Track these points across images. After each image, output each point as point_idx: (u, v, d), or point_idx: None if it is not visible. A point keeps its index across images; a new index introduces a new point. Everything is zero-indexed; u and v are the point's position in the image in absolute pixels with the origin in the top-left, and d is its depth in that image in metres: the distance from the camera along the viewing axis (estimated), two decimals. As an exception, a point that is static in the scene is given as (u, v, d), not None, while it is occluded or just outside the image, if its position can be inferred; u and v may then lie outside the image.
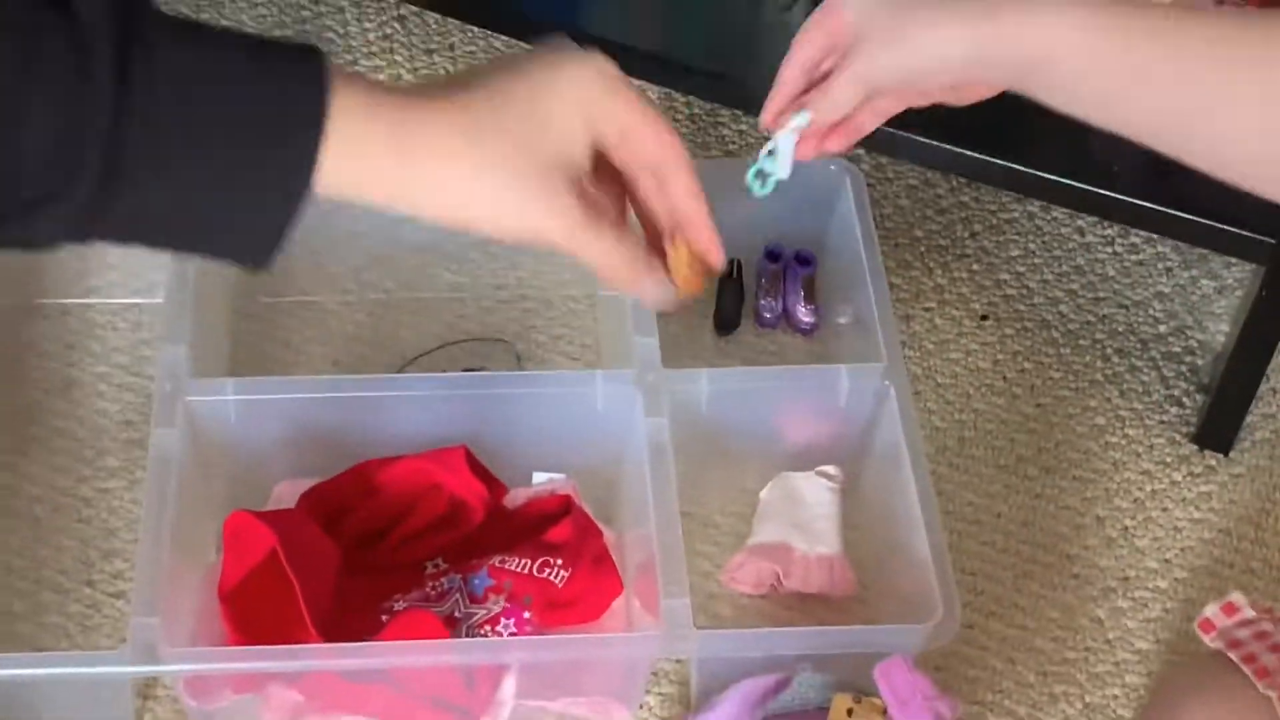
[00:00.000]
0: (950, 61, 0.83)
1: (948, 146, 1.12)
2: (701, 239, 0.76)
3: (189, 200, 0.66)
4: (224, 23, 1.40)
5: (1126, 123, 0.82)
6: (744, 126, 1.36)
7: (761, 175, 0.88)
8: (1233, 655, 0.91)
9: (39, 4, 0.61)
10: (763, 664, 1.00)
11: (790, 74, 0.88)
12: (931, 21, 0.83)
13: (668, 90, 1.34)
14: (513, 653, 1.01)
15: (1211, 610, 0.94)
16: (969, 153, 1.12)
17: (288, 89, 0.66)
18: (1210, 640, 0.93)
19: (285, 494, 1.09)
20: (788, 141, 0.88)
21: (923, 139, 1.12)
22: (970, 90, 0.86)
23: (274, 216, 0.67)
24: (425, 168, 0.71)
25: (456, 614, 1.04)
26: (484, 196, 0.72)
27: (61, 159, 0.62)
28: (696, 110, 1.37)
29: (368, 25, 1.41)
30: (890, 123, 1.14)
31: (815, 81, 0.86)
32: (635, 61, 1.18)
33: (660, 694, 1.05)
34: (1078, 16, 0.79)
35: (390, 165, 0.70)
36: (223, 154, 0.65)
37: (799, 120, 0.87)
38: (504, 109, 0.72)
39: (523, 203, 0.72)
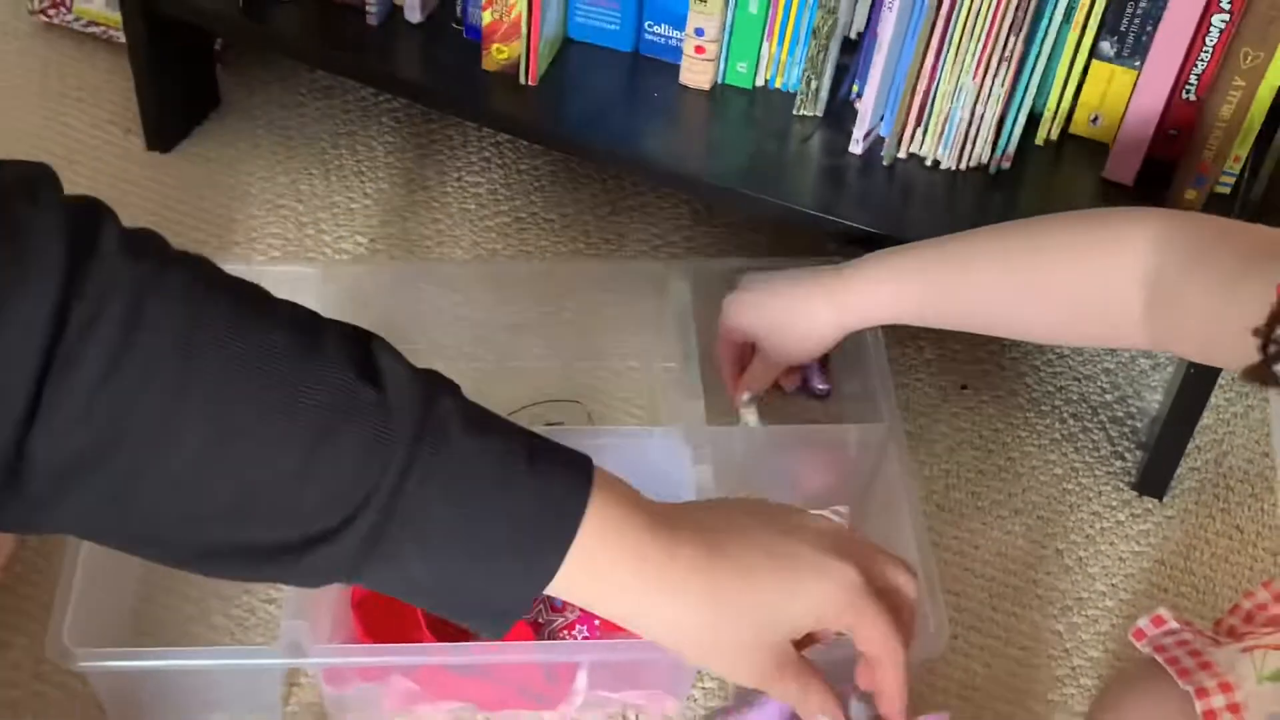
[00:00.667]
0: (827, 340, 1.01)
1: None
2: (890, 712, 0.73)
3: (439, 576, 0.62)
4: (368, 141, 1.46)
5: (965, 330, 1.00)
6: (767, 234, 1.40)
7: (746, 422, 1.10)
8: (1159, 658, 0.92)
9: (358, 375, 0.59)
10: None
11: (726, 371, 1.09)
12: (808, 321, 1.01)
13: (709, 205, 1.38)
14: (585, 653, 1.03)
15: (1143, 622, 0.95)
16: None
17: (550, 503, 0.63)
18: (1141, 646, 0.94)
19: (404, 523, 1.12)
20: (750, 412, 1.11)
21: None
22: None
23: (511, 603, 0.63)
24: (655, 610, 0.66)
25: (540, 620, 1.06)
26: (697, 651, 0.69)
27: (342, 505, 0.59)
28: (731, 220, 1.40)
29: (470, 148, 1.45)
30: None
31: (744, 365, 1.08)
32: (677, 181, 1.22)
33: (704, 688, 1.07)
34: (893, 294, 0.97)
35: (624, 596, 0.65)
36: (478, 545, 0.61)
37: (746, 398, 1.10)
38: (747, 593, 0.67)
39: (729, 665, 0.69)
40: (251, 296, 0.63)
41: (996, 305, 0.95)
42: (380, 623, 1.04)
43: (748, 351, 1.11)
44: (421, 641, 1.00)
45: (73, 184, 0.60)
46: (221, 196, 1.39)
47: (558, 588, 0.64)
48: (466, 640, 1.02)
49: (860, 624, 0.69)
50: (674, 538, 0.67)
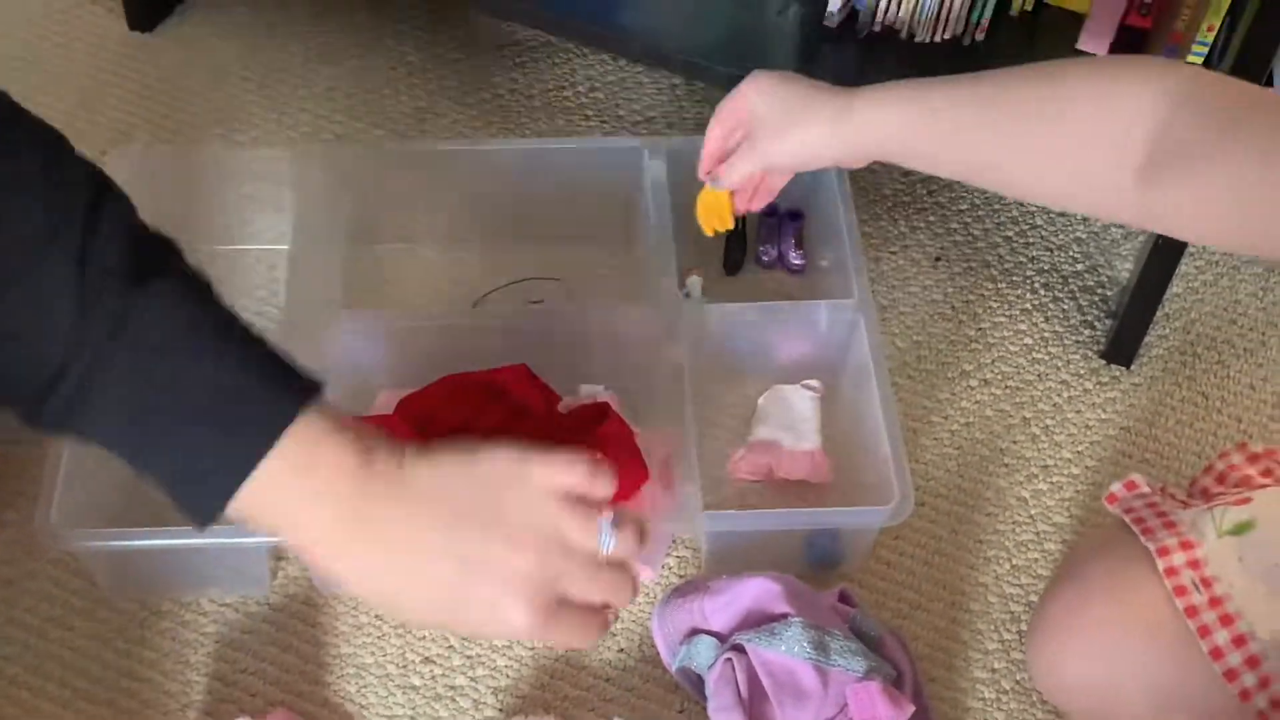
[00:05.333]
0: (820, 155, 0.87)
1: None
2: None
3: (142, 441, 0.56)
4: (347, 18, 1.36)
5: (950, 176, 0.86)
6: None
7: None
8: (1127, 519, 0.89)
9: (47, 239, 0.54)
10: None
11: (711, 143, 0.92)
12: (806, 124, 0.86)
13: (688, 79, 1.30)
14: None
15: (1116, 486, 0.91)
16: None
17: (256, 398, 0.57)
18: (1113, 509, 0.90)
19: (385, 401, 1.07)
20: (695, 285, 1.11)
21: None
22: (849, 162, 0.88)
23: (209, 496, 0.56)
24: (362, 549, 0.58)
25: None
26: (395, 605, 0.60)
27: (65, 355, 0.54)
28: (710, 96, 1.32)
29: (454, 26, 1.36)
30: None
31: (729, 150, 0.91)
32: (656, 57, 1.15)
33: (678, 557, 1.04)
34: (898, 119, 0.83)
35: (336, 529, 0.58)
36: (174, 423, 0.55)
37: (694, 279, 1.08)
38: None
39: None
40: None
41: (969, 155, 0.85)
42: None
43: (732, 146, 0.95)
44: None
45: (59, 65, 0.53)
46: (202, 76, 1.31)
47: (250, 500, 0.56)
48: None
49: (547, 639, 0.62)
50: (378, 491, 0.59)
